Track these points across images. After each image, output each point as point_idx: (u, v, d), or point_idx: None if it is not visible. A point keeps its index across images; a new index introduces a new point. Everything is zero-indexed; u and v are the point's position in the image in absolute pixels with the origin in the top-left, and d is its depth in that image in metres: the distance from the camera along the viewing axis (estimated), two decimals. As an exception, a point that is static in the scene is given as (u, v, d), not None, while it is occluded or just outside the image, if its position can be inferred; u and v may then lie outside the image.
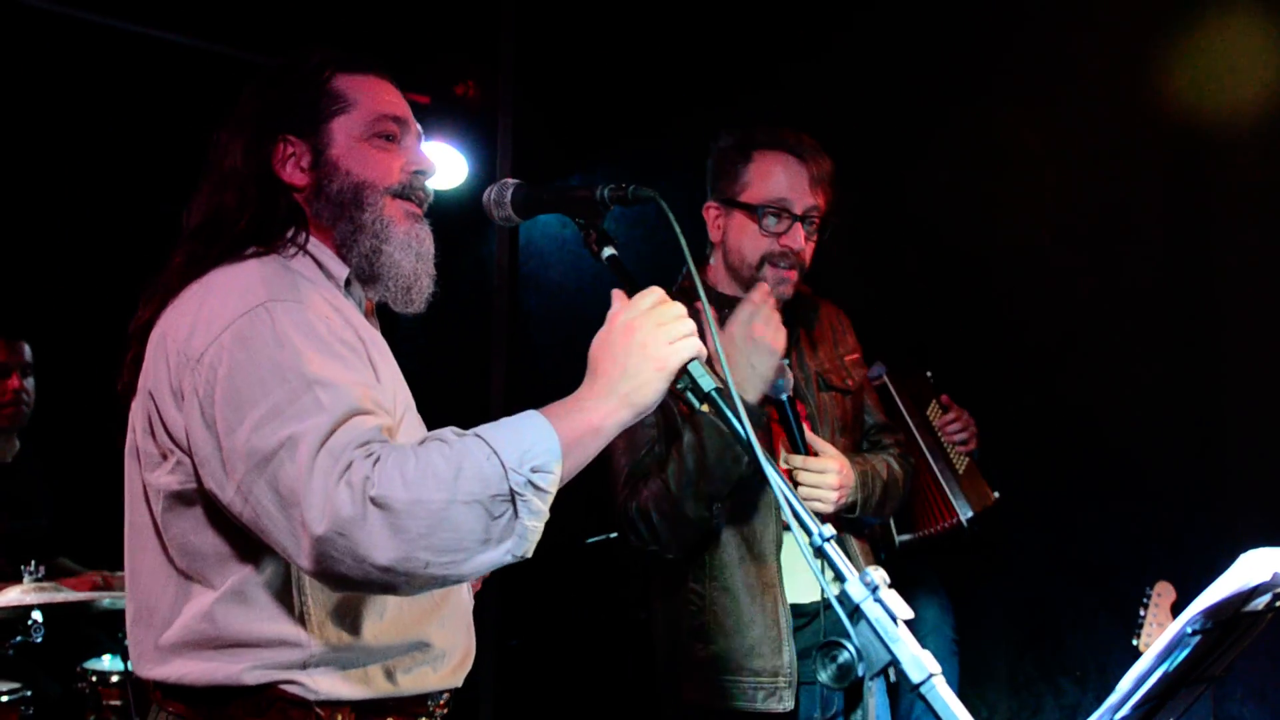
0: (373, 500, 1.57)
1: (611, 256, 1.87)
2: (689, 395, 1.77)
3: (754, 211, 2.78)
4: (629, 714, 3.57)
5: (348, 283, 1.94)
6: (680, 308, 1.78)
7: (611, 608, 4.08)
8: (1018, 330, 4.13)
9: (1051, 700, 4.07)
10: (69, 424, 4.61)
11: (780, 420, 2.73)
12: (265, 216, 1.90)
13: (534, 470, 1.63)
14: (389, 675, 1.85)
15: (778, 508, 2.71)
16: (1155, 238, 3.86)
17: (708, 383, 1.74)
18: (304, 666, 1.78)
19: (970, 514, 3.78)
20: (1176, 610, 3.52)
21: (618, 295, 1.82)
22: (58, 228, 4.77)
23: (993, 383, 4.08)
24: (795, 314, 2.90)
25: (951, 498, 3.78)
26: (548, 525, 1.69)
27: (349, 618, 1.81)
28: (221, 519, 1.76)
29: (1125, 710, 1.50)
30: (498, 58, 4.99)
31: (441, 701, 1.96)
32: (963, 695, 4.09)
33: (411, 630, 1.87)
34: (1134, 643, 3.54)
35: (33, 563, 3.49)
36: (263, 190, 1.91)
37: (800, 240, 2.78)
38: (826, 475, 2.73)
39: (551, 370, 4.60)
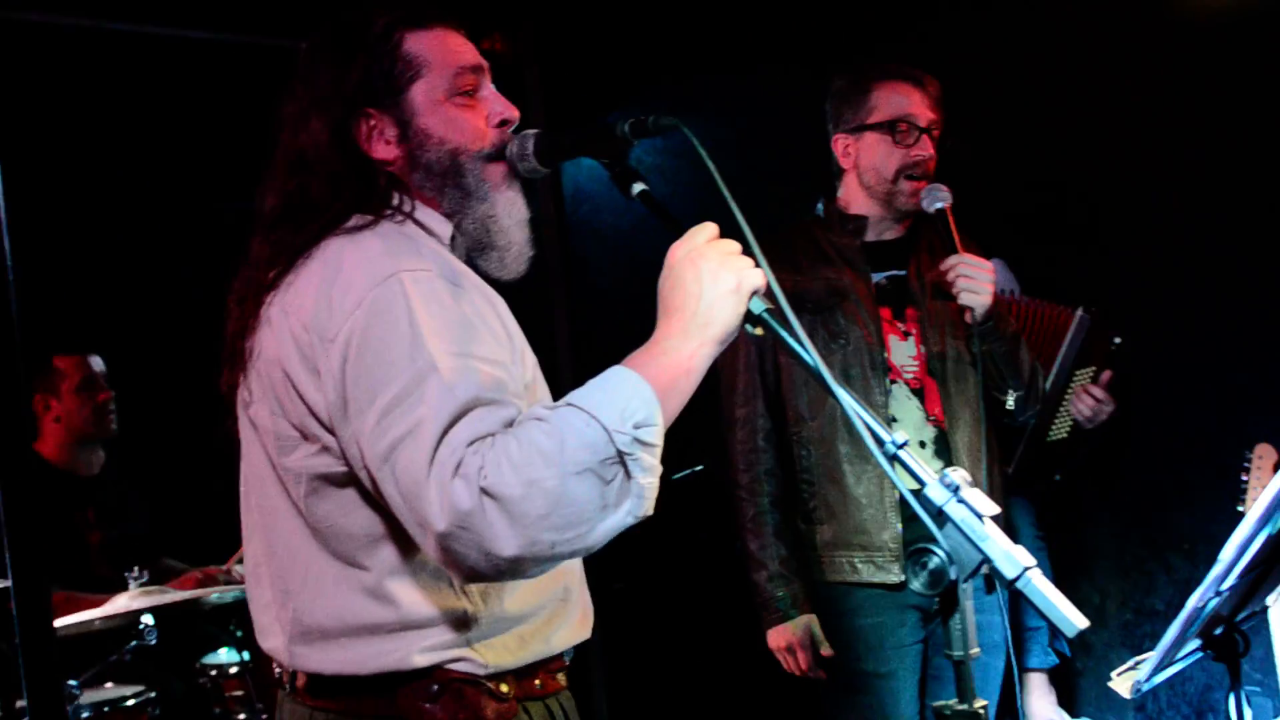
0: (485, 491, 1.54)
1: (642, 192, 1.82)
2: (745, 325, 1.74)
3: (885, 129, 3.04)
4: (735, 644, 3.57)
5: (453, 243, 1.88)
6: (734, 243, 1.74)
7: (707, 541, 4.09)
8: (1113, 201, 4.03)
9: (1164, 577, 4.02)
10: (147, 432, 4.71)
11: (941, 226, 2.97)
12: (361, 192, 1.83)
13: (637, 426, 1.60)
14: (543, 635, 1.84)
15: (885, 397, 2.99)
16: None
17: (759, 305, 1.70)
18: (470, 642, 1.76)
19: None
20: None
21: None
22: (116, 237, 4.82)
23: (1089, 252, 4.01)
24: (917, 225, 3.12)
25: (1019, 457, 3.74)
26: None
27: (505, 584, 1.78)
28: (370, 500, 1.73)
29: (1231, 579, 1.46)
30: (521, 8, 4.93)
31: (571, 656, 1.94)
32: (1072, 582, 4.08)
33: (553, 586, 1.85)
34: (1239, 509, 3.48)
35: (135, 568, 3.56)
36: (355, 169, 1.84)
37: (930, 149, 3.03)
38: (984, 269, 2.91)
39: (618, 314, 4.57)
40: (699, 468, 3.60)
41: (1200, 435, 3.86)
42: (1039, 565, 4.13)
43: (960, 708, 1.47)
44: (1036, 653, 4.01)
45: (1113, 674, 1.88)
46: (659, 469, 1.63)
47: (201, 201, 4.66)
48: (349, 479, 1.73)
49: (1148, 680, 1.75)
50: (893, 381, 3.00)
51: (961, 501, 1.46)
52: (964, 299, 2.91)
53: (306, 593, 1.79)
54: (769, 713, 4.40)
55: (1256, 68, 3.65)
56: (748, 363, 3.08)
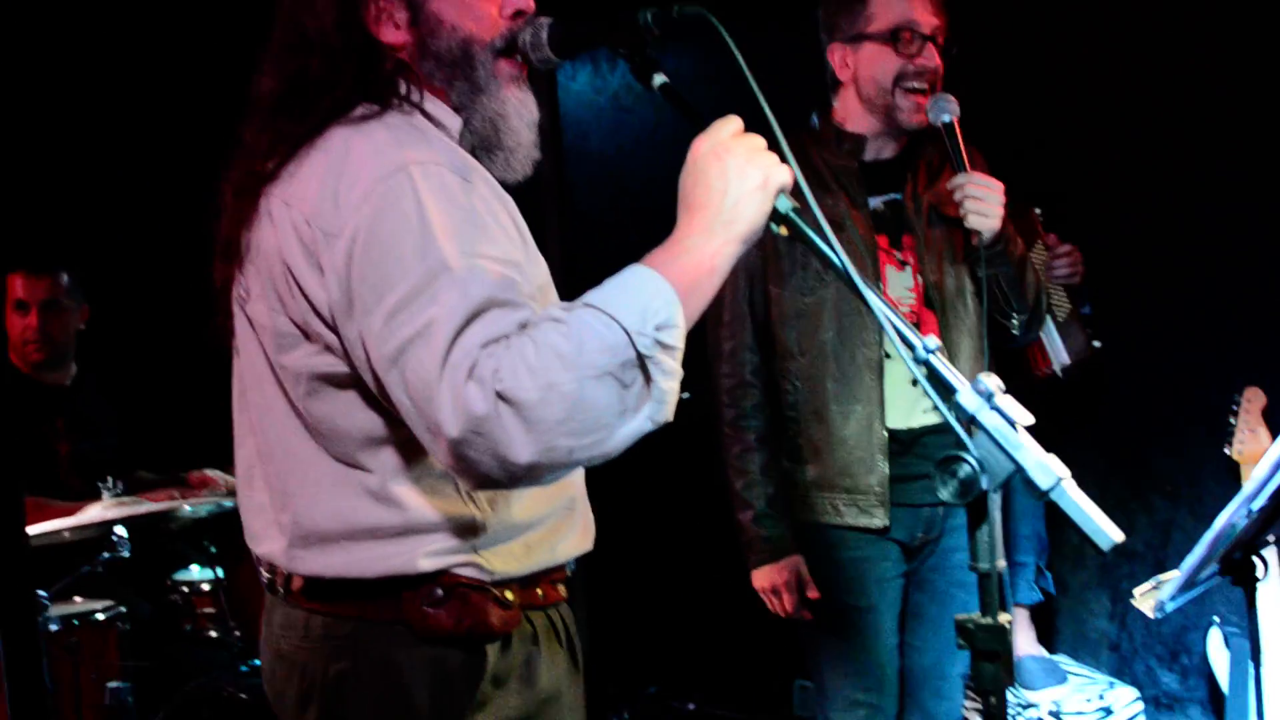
0: (500, 395, 1.46)
1: (664, 84, 1.71)
2: (770, 224, 1.67)
3: (885, 38, 2.84)
4: (717, 577, 3.55)
5: (461, 138, 1.79)
6: (759, 138, 1.66)
7: (694, 470, 4.05)
8: (1099, 148, 3.99)
9: (1145, 518, 4.01)
10: (127, 345, 4.63)
11: (949, 141, 2.75)
12: (366, 76, 1.73)
13: (658, 328, 1.52)
14: (549, 544, 1.79)
15: (880, 331, 2.80)
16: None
17: (784, 204, 1.64)
18: (476, 548, 1.71)
19: (1067, 363, 3.70)
20: (1267, 416, 3.44)
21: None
22: (102, 148, 4.72)
23: (1072, 198, 3.96)
24: (915, 142, 2.93)
25: (1047, 345, 3.69)
26: None
27: (513, 491, 1.73)
28: (373, 401, 1.66)
29: (1262, 500, 1.42)
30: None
31: (571, 568, 1.90)
32: (1052, 520, 4.06)
33: (559, 495, 1.80)
34: (1226, 451, 3.47)
35: (109, 479, 3.49)
36: (357, 51, 1.73)
37: (934, 58, 2.83)
38: (995, 190, 2.74)
39: (605, 238, 4.50)
40: (685, 395, 3.51)
41: (1187, 377, 3.85)
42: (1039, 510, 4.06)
43: (984, 621, 1.43)
44: (1022, 588, 4.01)
45: (1135, 592, 1.85)
46: (680, 373, 1.57)
47: (200, 123, 4.56)
48: (351, 380, 1.66)
49: (1171, 599, 1.71)
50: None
51: (995, 409, 1.41)
52: (972, 221, 2.72)
53: (306, 495, 1.73)
54: (749, 642, 4.40)
55: (1247, 39, 3.61)
56: (735, 293, 2.93)
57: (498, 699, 1.75)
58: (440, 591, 1.70)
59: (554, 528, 1.80)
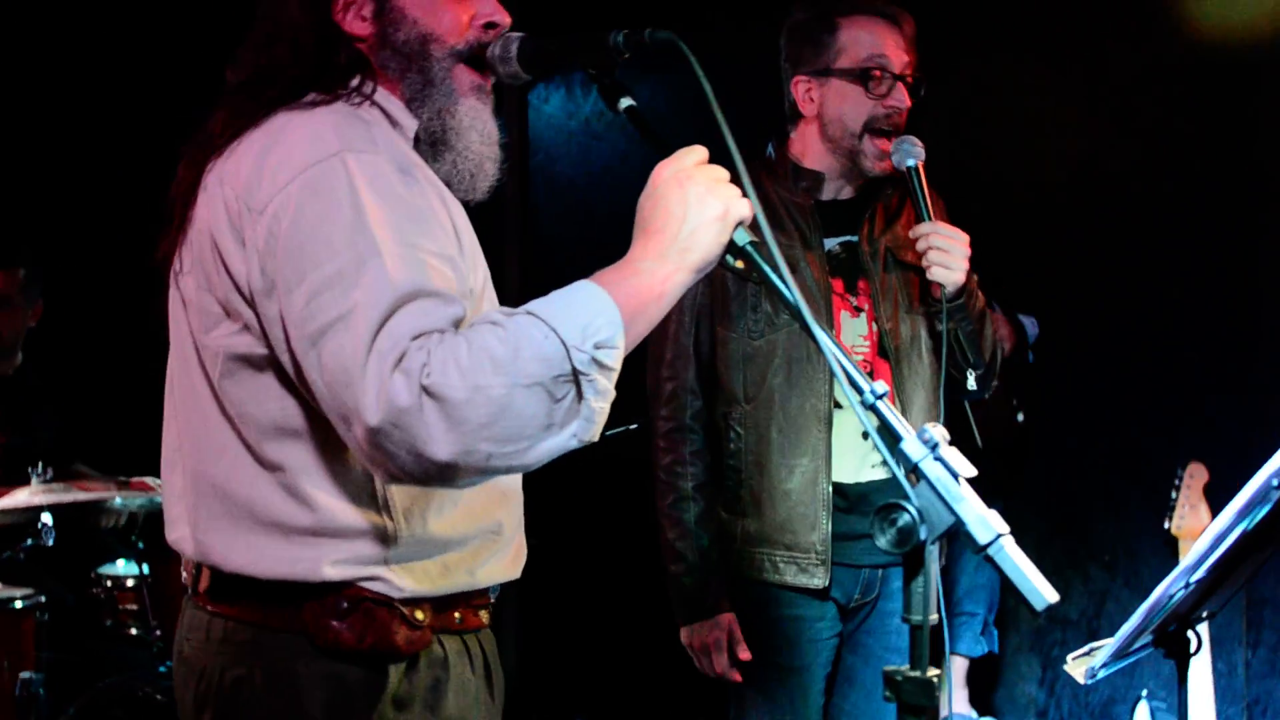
0: (426, 390, 1.44)
1: (630, 107, 1.70)
2: (726, 256, 1.65)
3: (855, 76, 2.71)
4: (656, 606, 3.52)
5: (416, 139, 1.77)
6: (722, 169, 1.64)
7: (635, 502, 4.02)
8: (1045, 215, 4.01)
9: (1080, 587, 4.03)
10: (74, 336, 4.56)
11: (910, 190, 2.66)
12: (323, 65, 1.72)
13: (597, 346, 1.50)
14: (468, 567, 1.74)
15: (830, 383, 2.71)
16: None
17: (742, 236, 1.62)
18: (387, 561, 1.66)
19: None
20: (1208, 492, 3.45)
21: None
22: (59, 133, 4.66)
23: (1019, 265, 3.97)
24: (873, 183, 2.83)
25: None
26: None
27: (432, 503, 1.68)
28: (289, 389, 1.62)
29: (1201, 572, 1.41)
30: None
31: (495, 594, 1.85)
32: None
33: (485, 517, 1.75)
34: (1165, 526, 3.48)
35: (39, 464, 3.42)
36: (320, 39, 1.73)
37: (905, 99, 2.71)
38: (960, 241, 2.64)
39: (566, 264, 4.48)
40: (633, 425, 3.49)
41: (1131, 450, 3.87)
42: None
43: (913, 674, 1.40)
44: (967, 638, 3.99)
45: (1068, 658, 1.84)
46: (613, 394, 1.54)
47: (151, 106, 4.52)
48: (266, 362, 1.63)
49: (1103, 667, 1.70)
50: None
51: (939, 459, 1.39)
52: (936, 274, 2.62)
53: (218, 481, 1.69)
54: (678, 673, 4.36)
55: (1227, 81, 3.65)
56: (679, 330, 2.79)
57: None
58: (345, 604, 1.65)
59: (476, 550, 1.75)
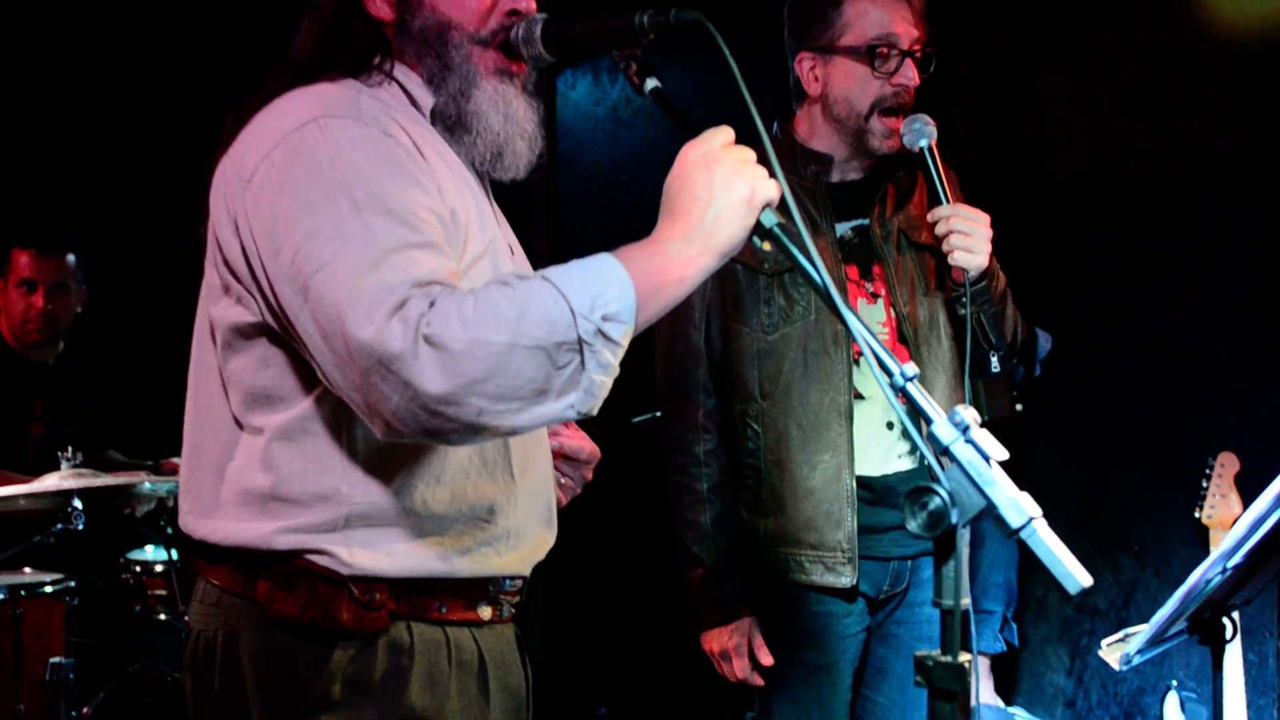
0: (426, 339, 1.44)
1: (655, 89, 1.71)
2: (753, 238, 1.64)
3: (861, 54, 2.62)
4: (682, 598, 3.51)
5: (432, 117, 1.78)
6: (750, 150, 1.64)
7: (662, 492, 4.02)
8: (1072, 202, 3.98)
9: (1110, 577, 3.99)
10: (116, 326, 4.59)
11: (928, 167, 2.57)
12: (343, 47, 1.76)
13: (605, 319, 1.49)
14: (440, 550, 1.69)
15: (850, 375, 2.64)
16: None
17: (770, 218, 1.61)
18: (339, 528, 1.64)
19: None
20: (1240, 482, 3.43)
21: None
22: (99, 123, 4.69)
23: (1049, 250, 3.94)
24: (883, 162, 2.75)
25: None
26: None
27: (400, 472, 1.66)
28: (279, 356, 1.65)
29: (1237, 558, 1.40)
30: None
31: (509, 589, 1.80)
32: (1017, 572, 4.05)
33: (471, 500, 1.72)
34: (1196, 515, 3.45)
35: (69, 449, 3.44)
36: (342, 22, 1.77)
37: (913, 76, 2.62)
38: (981, 223, 2.56)
39: (593, 251, 4.48)
40: (659, 414, 3.48)
41: (1162, 438, 3.84)
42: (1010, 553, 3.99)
43: (944, 659, 1.39)
44: (986, 636, 3.97)
45: (1103, 643, 1.82)
46: (616, 370, 1.53)
47: (195, 93, 4.54)
48: (258, 331, 1.65)
49: (1138, 653, 1.69)
50: (861, 354, 2.63)
51: (970, 442, 1.38)
52: (958, 259, 2.53)
53: (207, 453, 1.72)
54: (703, 665, 4.36)
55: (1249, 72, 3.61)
56: (688, 326, 2.72)
57: (351, 704, 1.66)
58: (292, 577, 1.66)
59: (456, 536, 1.71)
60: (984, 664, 4.05)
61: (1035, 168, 4.02)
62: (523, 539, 1.79)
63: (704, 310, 2.72)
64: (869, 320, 2.66)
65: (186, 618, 3.60)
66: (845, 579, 2.64)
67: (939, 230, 2.57)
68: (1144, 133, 3.80)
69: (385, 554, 1.66)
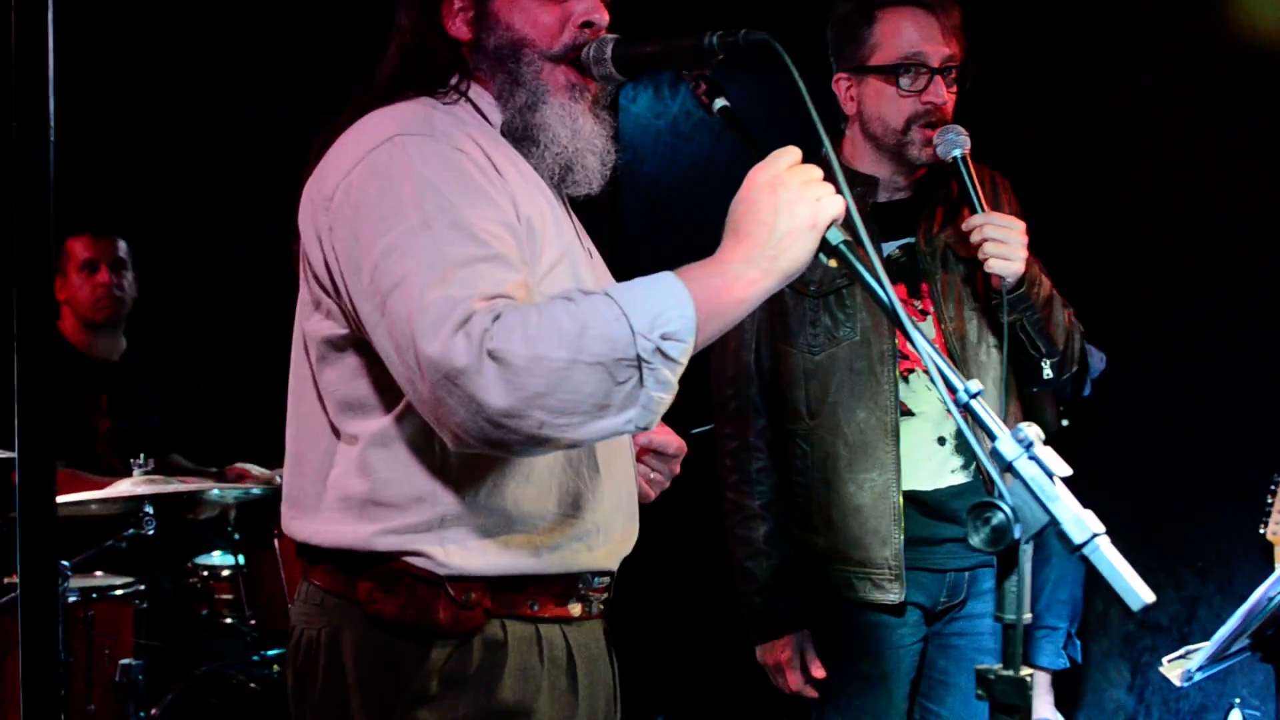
0: (490, 354, 1.49)
1: (724, 108, 1.75)
2: (819, 255, 1.66)
3: (888, 73, 2.65)
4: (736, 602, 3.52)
5: (503, 131, 1.84)
6: (816, 169, 1.67)
7: (714, 497, 4.03)
8: (1133, 215, 3.96)
9: (1172, 593, 3.96)
10: (177, 327, 4.67)
11: (963, 177, 2.59)
12: (422, 67, 1.83)
13: (664, 338, 1.53)
14: (531, 547, 1.75)
15: (896, 394, 2.67)
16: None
17: (835, 235, 1.63)
18: (435, 528, 1.70)
19: None
20: (1305, 497, 3.39)
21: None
22: (162, 126, 4.77)
23: (1109, 263, 3.92)
24: (928, 179, 2.78)
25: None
26: None
27: (490, 473, 1.72)
28: (368, 366, 1.71)
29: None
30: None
31: (598, 586, 1.85)
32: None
33: (558, 497, 1.77)
34: (1261, 532, 3.42)
35: (141, 455, 3.51)
36: (421, 43, 1.84)
37: (942, 94, 2.63)
38: (1016, 229, 2.57)
39: (653, 265, 4.51)
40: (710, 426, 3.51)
41: (1226, 454, 3.80)
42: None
43: (1005, 673, 1.41)
44: (1049, 652, 3.95)
45: (1164, 660, 1.82)
46: (675, 387, 1.57)
47: (241, 103, 4.62)
48: (348, 343, 1.72)
49: (1200, 670, 1.69)
50: (909, 371, 2.72)
51: (1033, 459, 1.39)
52: (993, 266, 2.55)
53: (306, 460, 1.79)
54: (765, 688, 4.37)
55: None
56: (741, 347, 2.77)
57: (447, 699, 1.72)
58: (391, 578, 1.71)
59: (546, 531, 1.76)
60: (1045, 680, 4.03)
61: (1093, 181, 4.00)
62: (610, 534, 1.84)
63: (754, 332, 2.77)
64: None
65: (289, 618, 3.70)
66: (893, 595, 2.68)
67: (973, 239, 2.59)
68: (1204, 148, 3.77)
69: (478, 553, 1.72)
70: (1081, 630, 4.15)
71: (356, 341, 1.71)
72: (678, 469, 2.06)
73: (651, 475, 2.03)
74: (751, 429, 2.78)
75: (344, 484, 1.73)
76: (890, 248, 2.75)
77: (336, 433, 1.76)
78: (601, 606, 1.88)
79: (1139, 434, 3.98)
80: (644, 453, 2.01)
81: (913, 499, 2.70)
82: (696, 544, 4.60)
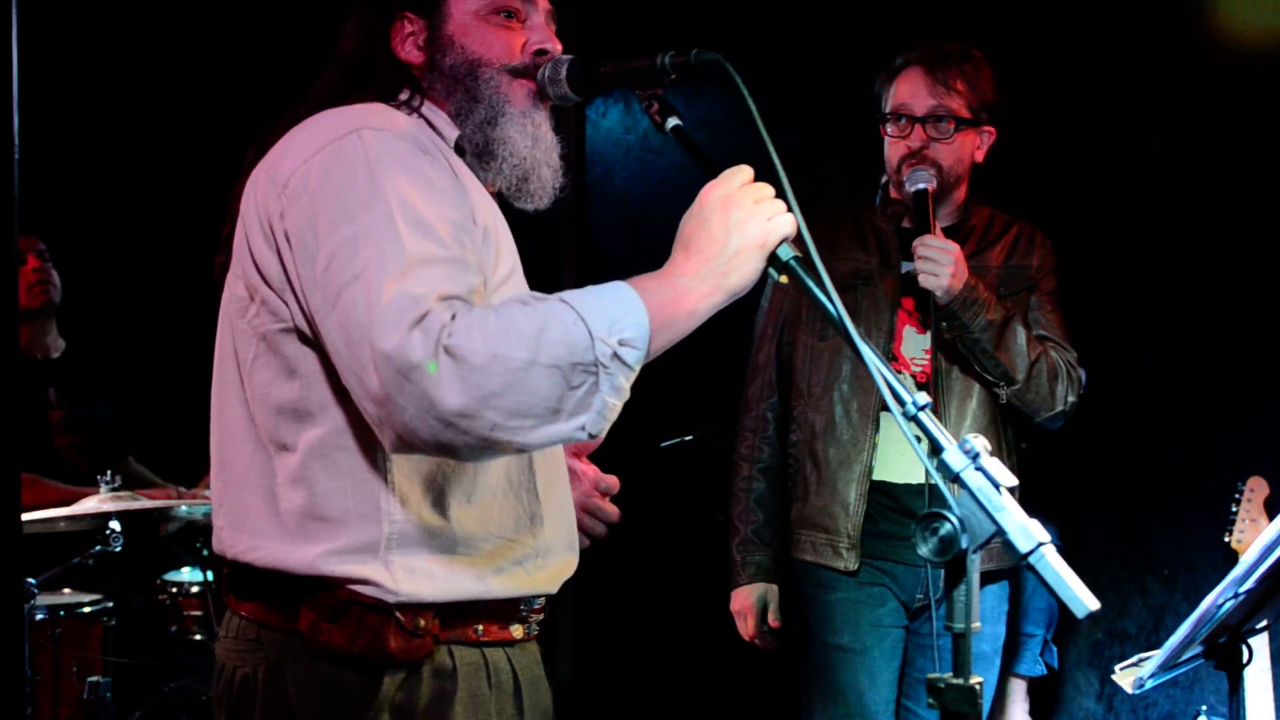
0: (447, 350, 1.47)
1: (676, 127, 1.76)
2: (769, 271, 1.68)
3: (881, 122, 3.04)
4: (709, 617, 3.54)
5: (458, 148, 1.83)
6: (768, 187, 1.68)
7: (691, 513, 4.05)
8: (1104, 227, 3.99)
9: (1139, 601, 3.99)
10: (123, 333, 4.66)
11: (916, 210, 2.94)
12: (363, 79, 1.82)
13: (621, 343, 1.53)
14: (476, 571, 1.72)
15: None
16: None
17: (786, 252, 1.65)
18: (379, 550, 1.65)
19: None
20: (1270, 506, 3.42)
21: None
22: (114, 142, 4.77)
23: (1080, 273, 3.95)
24: (966, 213, 3.08)
25: None
26: (620, 426, 1.59)
27: (433, 491, 1.69)
28: (306, 365, 1.67)
29: (1250, 583, 1.42)
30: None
31: (536, 608, 1.84)
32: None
33: (499, 520, 1.75)
34: (1225, 540, 3.45)
35: (109, 473, 3.50)
36: (374, 63, 1.83)
37: (919, 139, 2.96)
38: (948, 251, 2.84)
39: (622, 278, 4.51)
40: (688, 438, 3.55)
41: (1191, 463, 3.83)
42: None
43: (955, 682, 1.42)
44: (1026, 660, 3.97)
45: (1116, 668, 1.84)
46: (627, 395, 1.57)
47: (208, 118, 4.62)
48: (284, 341, 1.68)
49: (1151, 677, 1.70)
50: (899, 373, 2.83)
51: (979, 469, 1.41)
52: (923, 281, 2.83)
53: (238, 470, 1.73)
54: (738, 700, 4.37)
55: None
56: (769, 335, 3.14)
57: None
58: (338, 607, 1.66)
59: (489, 554, 1.74)
60: (1021, 687, 4.05)
61: (1063, 194, 4.03)
62: (551, 558, 1.82)
63: (779, 322, 3.13)
64: (914, 346, 3.00)
65: (215, 654, 3.69)
66: (849, 563, 2.96)
67: (915, 256, 2.87)
68: (1182, 156, 3.81)
69: (426, 577, 1.68)
70: (1055, 639, 4.17)
71: (295, 334, 1.67)
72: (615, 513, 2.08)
73: (586, 526, 2.02)
74: (765, 403, 3.15)
75: (279, 495, 1.68)
76: (910, 266, 2.97)
77: (268, 442, 1.70)
78: (537, 628, 1.86)
79: (1107, 444, 4.01)
80: (581, 510, 2.00)
81: (886, 490, 2.98)
82: (671, 552, 4.61)
